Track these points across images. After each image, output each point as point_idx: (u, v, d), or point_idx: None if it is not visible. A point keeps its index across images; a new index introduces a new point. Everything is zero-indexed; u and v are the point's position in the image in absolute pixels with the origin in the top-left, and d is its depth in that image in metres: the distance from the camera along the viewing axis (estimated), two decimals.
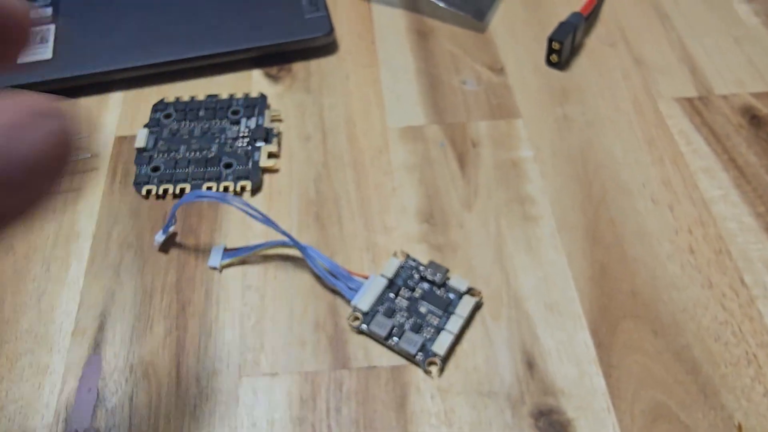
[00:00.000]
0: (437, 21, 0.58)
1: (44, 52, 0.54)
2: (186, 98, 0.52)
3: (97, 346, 0.40)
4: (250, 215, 0.40)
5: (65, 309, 0.42)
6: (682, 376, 0.38)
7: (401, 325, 0.39)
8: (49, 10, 0.57)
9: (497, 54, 0.55)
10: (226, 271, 0.43)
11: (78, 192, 0.47)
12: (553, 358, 0.39)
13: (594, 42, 0.56)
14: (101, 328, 0.41)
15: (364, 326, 0.39)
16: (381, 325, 0.39)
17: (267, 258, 0.43)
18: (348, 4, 0.60)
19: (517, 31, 0.57)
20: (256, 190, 0.47)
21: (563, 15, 0.56)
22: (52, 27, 0.56)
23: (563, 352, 0.39)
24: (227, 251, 0.43)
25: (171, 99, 0.52)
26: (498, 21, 0.58)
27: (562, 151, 0.48)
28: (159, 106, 0.51)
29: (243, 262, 0.43)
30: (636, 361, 0.38)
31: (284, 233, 0.40)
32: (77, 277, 0.43)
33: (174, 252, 0.44)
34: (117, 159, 0.49)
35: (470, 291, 0.41)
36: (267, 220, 0.40)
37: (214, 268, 0.43)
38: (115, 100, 0.53)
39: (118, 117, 0.52)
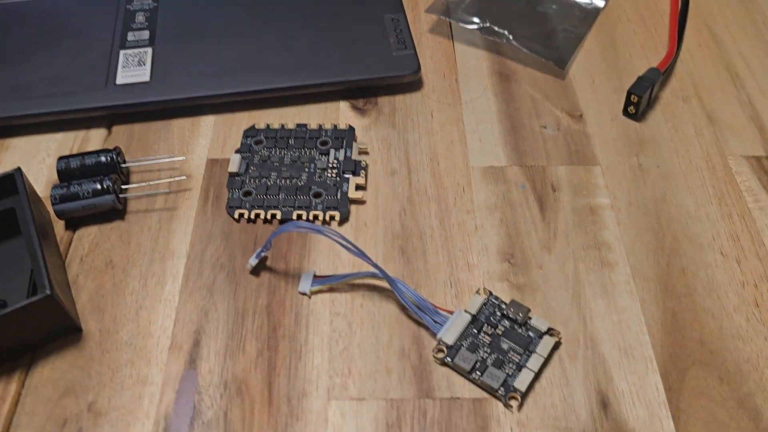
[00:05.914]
0: (519, 64, 0.61)
1: (143, 74, 0.57)
2: (276, 125, 0.55)
3: (192, 362, 0.42)
4: (345, 248, 0.42)
5: (162, 324, 0.44)
6: (744, 423, 0.40)
7: (484, 360, 0.41)
8: (146, 34, 0.60)
9: (576, 101, 0.57)
10: (315, 297, 0.45)
11: (172, 212, 0.50)
12: (626, 399, 0.41)
13: (668, 95, 0.58)
14: (196, 345, 0.43)
15: (448, 359, 0.42)
16: (465, 359, 0.41)
17: (354, 287, 0.46)
18: (433, 42, 0.63)
19: (596, 80, 0.59)
20: (343, 221, 0.49)
21: (639, 66, 0.58)
22: (150, 51, 0.59)
23: (635, 394, 0.41)
24: (317, 278, 0.45)
25: (261, 125, 0.55)
26: (577, 68, 0.60)
27: (638, 200, 0.50)
28: (250, 132, 0.54)
29: (331, 290, 0.46)
30: (703, 406, 0.40)
31: (375, 266, 0.42)
32: (173, 294, 0.46)
33: (265, 276, 0.46)
34: (209, 181, 0.52)
35: (550, 331, 0.43)
36: (361, 254, 0.42)
37: (304, 294, 0.45)
38: (207, 123, 0.56)
39: (209, 140, 0.55)
